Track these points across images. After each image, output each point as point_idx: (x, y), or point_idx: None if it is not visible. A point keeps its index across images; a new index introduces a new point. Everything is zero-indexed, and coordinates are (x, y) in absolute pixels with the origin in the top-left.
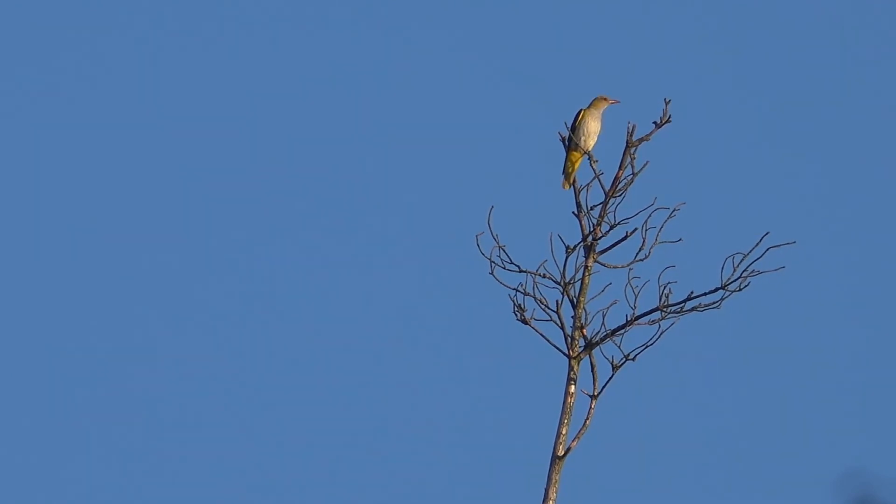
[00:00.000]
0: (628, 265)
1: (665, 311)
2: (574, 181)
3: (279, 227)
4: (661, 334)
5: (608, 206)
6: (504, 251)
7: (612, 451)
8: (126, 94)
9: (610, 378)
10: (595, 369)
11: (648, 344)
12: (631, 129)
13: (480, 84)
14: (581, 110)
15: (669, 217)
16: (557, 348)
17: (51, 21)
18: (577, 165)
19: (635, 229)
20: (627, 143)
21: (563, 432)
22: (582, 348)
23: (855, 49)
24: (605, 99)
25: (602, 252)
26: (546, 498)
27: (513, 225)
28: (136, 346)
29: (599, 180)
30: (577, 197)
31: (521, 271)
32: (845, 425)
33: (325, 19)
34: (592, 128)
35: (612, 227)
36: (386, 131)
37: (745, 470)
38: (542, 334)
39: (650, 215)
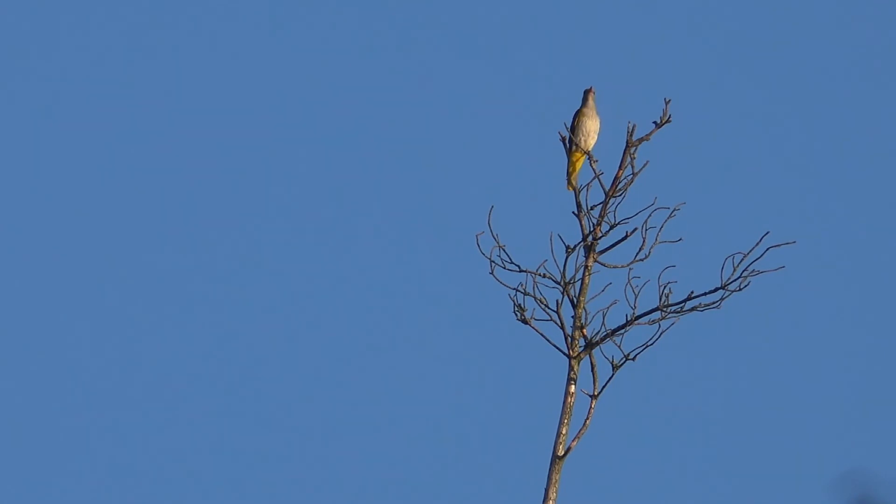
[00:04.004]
0: (628, 265)
1: (665, 311)
2: (575, 181)
3: (278, 226)
4: (661, 334)
5: (608, 205)
6: (504, 251)
7: (612, 451)
8: (124, 94)
9: (610, 378)
10: (595, 369)
11: (648, 344)
12: (631, 128)
13: (480, 83)
14: (577, 111)
15: (669, 217)
16: (557, 348)
17: (50, 20)
18: (579, 165)
19: (635, 229)
20: (627, 142)
21: (563, 432)
22: (582, 348)
23: (855, 48)
24: (591, 91)
25: (602, 252)
26: (546, 498)
27: (513, 225)
28: (134, 346)
29: (599, 180)
30: (576, 197)
31: (521, 271)
32: (845, 425)
33: (326, 19)
34: (591, 126)
35: (612, 227)
36: (385, 130)
37: (744, 470)
38: (542, 334)
39: (650, 215)
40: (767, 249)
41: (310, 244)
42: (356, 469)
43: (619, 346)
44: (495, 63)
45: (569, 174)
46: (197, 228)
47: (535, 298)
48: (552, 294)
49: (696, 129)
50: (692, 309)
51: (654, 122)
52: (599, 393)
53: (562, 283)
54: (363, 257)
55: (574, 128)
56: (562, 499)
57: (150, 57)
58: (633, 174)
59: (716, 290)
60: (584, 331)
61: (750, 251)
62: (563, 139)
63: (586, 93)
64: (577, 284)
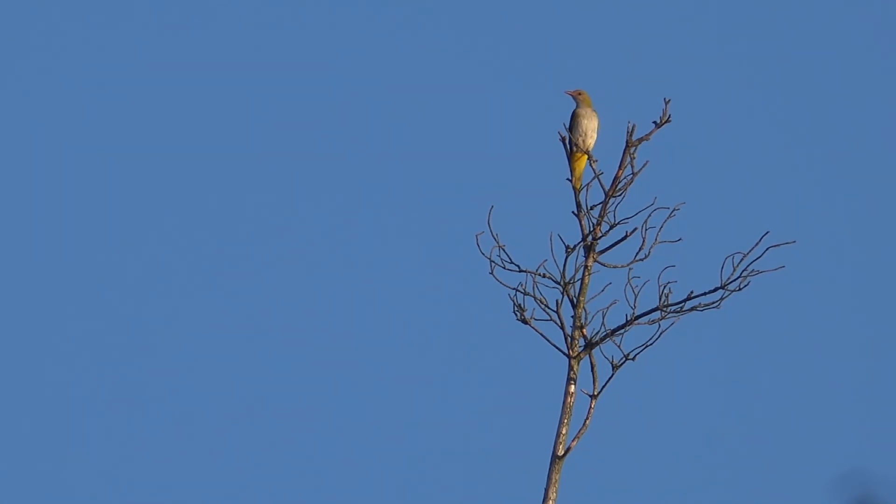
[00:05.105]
0: (628, 265)
1: (665, 311)
2: (579, 181)
3: (278, 226)
4: (660, 334)
5: (608, 205)
6: (504, 251)
7: (612, 451)
8: (124, 94)
9: (610, 378)
10: (595, 369)
11: (648, 344)
12: (631, 128)
13: (480, 83)
14: (573, 112)
15: (669, 217)
16: (557, 348)
17: (48, 19)
18: (581, 165)
19: (635, 229)
20: (627, 142)
21: (563, 432)
22: (582, 348)
23: (856, 47)
24: (581, 92)
25: (602, 252)
26: (546, 498)
27: (513, 225)
28: (134, 346)
29: (599, 180)
30: (576, 197)
31: (521, 271)
32: (845, 425)
33: (325, 18)
34: (587, 125)
35: (611, 227)
36: (385, 130)
37: (744, 470)
38: (542, 334)
39: (650, 215)
40: (767, 249)
41: (309, 244)
42: (355, 468)
43: (618, 346)
44: (495, 63)
45: (572, 173)
46: (195, 228)
47: (534, 298)
48: (552, 294)
49: (696, 129)
50: (692, 309)
51: (654, 122)
52: (599, 393)
53: (562, 283)
54: (363, 257)
55: (571, 128)
56: (562, 499)
57: (152, 58)
58: (633, 174)
59: (715, 289)
60: (584, 331)
61: (750, 251)
62: (563, 139)
63: (577, 95)
64: (577, 284)
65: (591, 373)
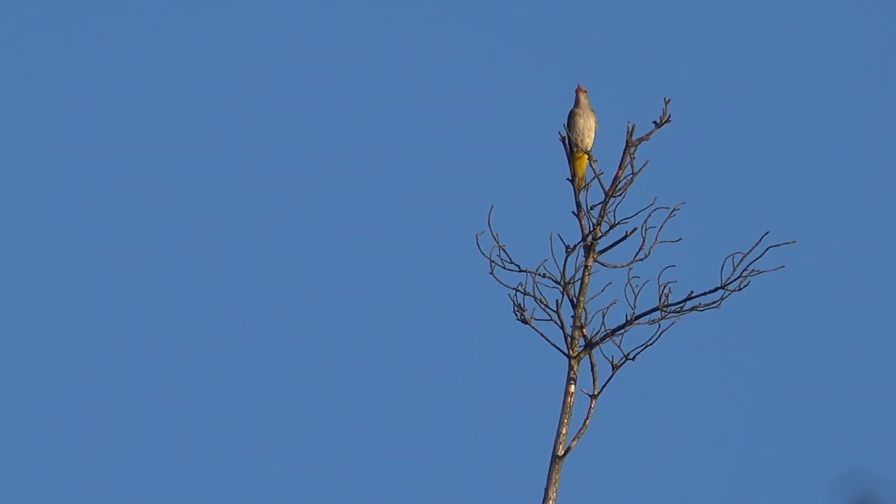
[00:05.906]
0: (628, 265)
1: (665, 311)
2: (582, 182)
3: (277, 225)
4: (660, 334)
5: (608, 205)
6: (504, 251)
7: (612, 451)
8: (121, 92)
9: (610, 378)
10: (595, 369)
11: (648, 343)
12: (630, 128)
13: (480, 82)
14: (569, 112)
15: (669, 217)
16: (557, 348)
17: (49, 18)
18: (584, 166)
19: (635, 229)
20: (627, 142)
21: (563, 432)
22: (582, 348)
23: (856, 48)
24: (580, 89)
25: (602, 252)
26: (546, 498)
27: (513, 225)
28: (132, 347)
29: (599, 180)
30: (576, 196)
31: (521, 271)
32: (845, 425)
33: (324, 17)
34: (583, 125)
35: (611, 227)
36: (385, 129)
37: (744, 470)
38: (542, 334)
39: (650, 215)
40: (767, 249)
41: (309, 244)
42: (355, 469)
43: (618, 346)
44: (495, 62)
45: (574, 175)
46: (195, 228)
47: (535, 298)
48: (552, 294)
49: (696, 129)
50: (692, 309)
51: (654, 122)
52: (599, 393)
53: (562, 283)
54: (362, 257)
55: (568, 128)
56: (562, 499)
57: (146, 55)
58: (633, 174)
59: (716, 289)
60: (584, 331)
61: (750, 251)
62: (563, 139)
63: (576, 92)
64: (577, 284)
65: (591, 373)
